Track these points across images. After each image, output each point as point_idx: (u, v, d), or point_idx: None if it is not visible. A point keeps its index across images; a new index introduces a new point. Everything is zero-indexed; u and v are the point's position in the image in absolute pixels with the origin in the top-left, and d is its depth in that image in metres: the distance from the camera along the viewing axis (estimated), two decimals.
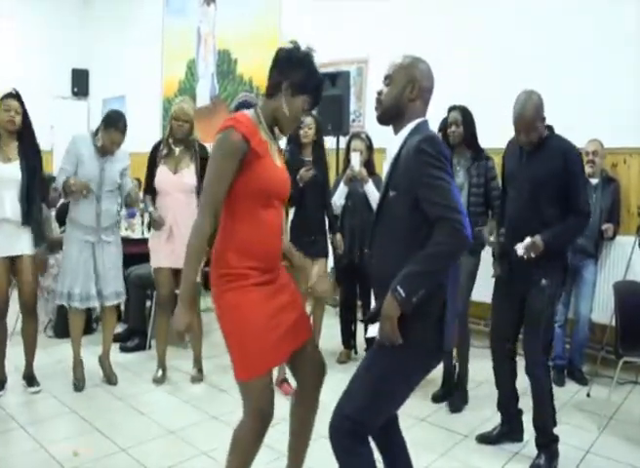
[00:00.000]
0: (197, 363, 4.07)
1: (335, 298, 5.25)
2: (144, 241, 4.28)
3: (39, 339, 3.78)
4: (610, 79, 4.41)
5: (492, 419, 3.38)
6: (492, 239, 3.27)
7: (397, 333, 1.83)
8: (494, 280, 3.17)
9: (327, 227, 4.13)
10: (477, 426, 3.37)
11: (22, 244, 3.54)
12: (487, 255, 3.52)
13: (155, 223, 3.82)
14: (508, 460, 3.02)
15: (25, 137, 3.58)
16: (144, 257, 4.09)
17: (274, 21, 7.02)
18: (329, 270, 4.39)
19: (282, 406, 3.36)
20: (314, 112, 3.68)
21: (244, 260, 2.06)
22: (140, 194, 4.10)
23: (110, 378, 3.88)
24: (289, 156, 3.77)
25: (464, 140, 3.64)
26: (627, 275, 4.14)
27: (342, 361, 4.42)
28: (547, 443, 2.93)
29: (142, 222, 5.22)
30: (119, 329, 4.59)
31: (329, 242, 4.15)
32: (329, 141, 4.64)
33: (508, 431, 3.20)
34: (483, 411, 3.55)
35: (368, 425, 1.96)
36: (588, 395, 3.91)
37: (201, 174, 3.89)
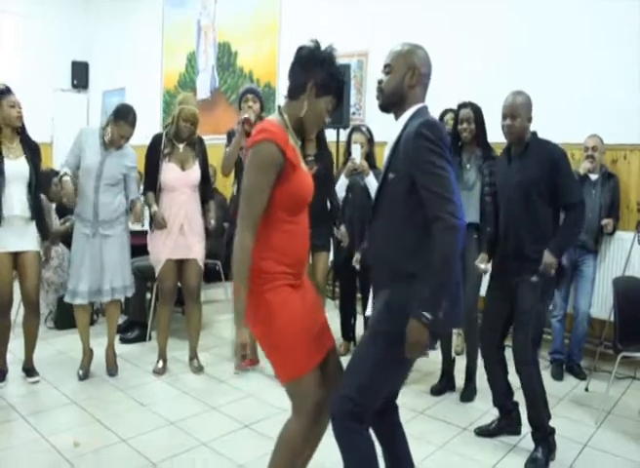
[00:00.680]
0: (193, 353, 4.07)
1: (334, 291, 5.27)
2: (145, 233, 4.28)
3: (39, 331, 3.78)
4: (610, 75, 4.40)
5: (490, 412, 3.40)
6: (482, 267, 3.27)
7: (426, 349, 1.89)
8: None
9: (330, 220, 4.13)
10: (475, 419, 3.39)
11: (29, 239, 3.56)
12: None
13: (158, 224, 3.80)
14: (506, 453, 3.03)
15: (23, 132, 3.60)
16: (145, 250, 4.09)
17: (274, 14, 7.01)
18: (329, 263, 4.40)
19: (282, 398, 3.38)
20: None
21: (277, 267, 2.01)
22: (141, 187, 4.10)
23: (111, 370, 3.89)
24: None
25: (476, 138, 3.64)
26: (627, 271, 4.15)
27: (342, 353, 4.43)
28: (544, 436, 2.95)
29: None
30: (119, 320, 4.60)
31: (332, 235, 4.16)
32: (329, 134, 4.63)
33: (506, 424, 3.22)
34: (481, 404, 3.57)
35: (367, 405, 1.98)
36: (587, 389, 3.93)
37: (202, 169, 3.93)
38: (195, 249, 3.87)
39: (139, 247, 4.35)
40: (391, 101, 2.05)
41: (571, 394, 3.87)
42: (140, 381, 3.82)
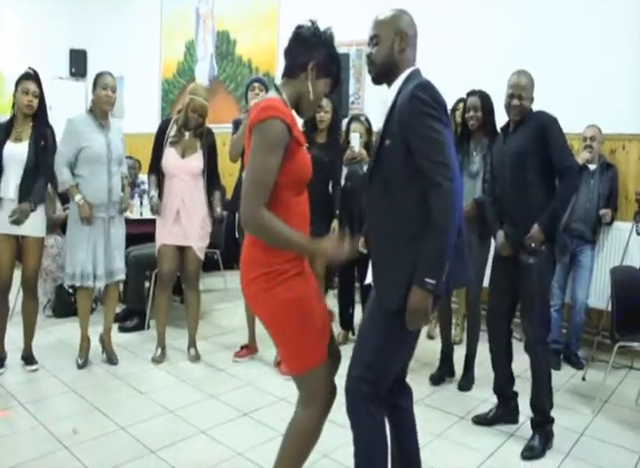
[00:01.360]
0: (192, 341, 4.08)
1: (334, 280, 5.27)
2: (142, 222, 4.29)
3: (38, 319, 3.78)
4: (609, 65, 4.39)
5: (488, 401, 3.42)
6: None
7: (429, 317, 1.89)
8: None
9: (330, 209, 4.11)
10: (473, 408, 3.41)
11: (30, 225, 3.52)
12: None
13: (151, 209, 3.86)
14: (504, 441, 3.05)
15: (40, 118, 3.58)
16: (143, 238, 4.09)
17: (273, 3, 6.96)
18: None
19: (280, 386, 3.39)
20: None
21: (283, 253, 1.92)
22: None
23: (111, 358, 3.89)
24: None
25: (483, 126, 3.63)
26: (624, 261, 4.16)
27: (340, 342, 4.44)
28: (543, 423, 2.96)
29: (141, 203, 5.21)
30: (117, 309, 4.60)
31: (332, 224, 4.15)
32: None
33: (504, 413, 3.23)
34: (479, 393, 3.59)
35: (379, 383, 1.99)
36: (584, 379, 3.95)
37: (208, 159, 3.92)
38: (192, 236, 3.88)
39: (137, 235, 4.35)
40: (384, 71, 2.01)
41: (568, 383, 3.89)
42: (138, 369, 3.83)
